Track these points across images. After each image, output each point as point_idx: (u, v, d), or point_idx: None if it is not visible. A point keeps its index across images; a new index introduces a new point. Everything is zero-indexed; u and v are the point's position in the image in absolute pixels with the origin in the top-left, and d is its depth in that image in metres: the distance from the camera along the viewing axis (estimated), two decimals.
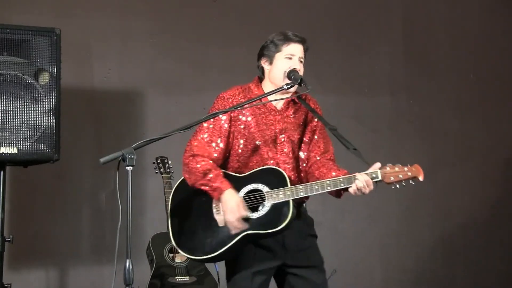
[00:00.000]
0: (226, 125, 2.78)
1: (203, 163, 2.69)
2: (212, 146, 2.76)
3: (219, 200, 2.66)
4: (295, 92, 2.83)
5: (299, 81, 2.72)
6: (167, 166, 4.02)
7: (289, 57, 2.80)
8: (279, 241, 2.72)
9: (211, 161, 2.72)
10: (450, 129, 5.36)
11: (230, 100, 2.78)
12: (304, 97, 2.87)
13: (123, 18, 4.61)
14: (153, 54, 4.65)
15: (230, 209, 2.61)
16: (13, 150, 3.26)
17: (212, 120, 2.78)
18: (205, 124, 2.78)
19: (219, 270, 3.80)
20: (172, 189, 3.93)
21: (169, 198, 3.88)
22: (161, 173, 4.01)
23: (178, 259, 3.85)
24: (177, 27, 4.75)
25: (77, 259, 4.34)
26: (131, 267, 2.46)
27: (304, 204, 2.88)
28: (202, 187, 2.69)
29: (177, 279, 3.75)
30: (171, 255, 3.85)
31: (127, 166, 2.45)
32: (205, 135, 2.77)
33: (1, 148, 3.23)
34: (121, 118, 4.54)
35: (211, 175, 2.66)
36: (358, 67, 5.19)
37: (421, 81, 5.36)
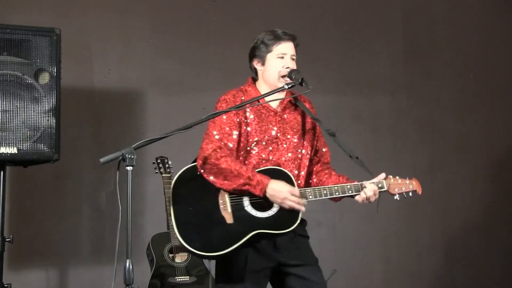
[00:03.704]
0: (235, 130, 2.76)
1: (231, 163, 2.65)
2: (227, 149, 2.74)
3: (263, 194, 2.64)
4: (291, 93, 2.84)
5: (300, 80, 2.72)
6: (167, 166, 4.02)
7: (281, 57, 2.80)
8: (270, 241, 2.71)
9: (238, 162, 2.71)
10: (450, 129, 5.36)
11: (226, 103, 2.77)
12: (299, 98, 2.87)
13: (123, 18, 4.61)
14: (153, 54, 4.65)
15: (284, 194, 2.62)
16: (13, 150, 3.25)
17: (224, 122, 2.75)
18: (216, 130, 2.76)
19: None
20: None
21: (169, 196, 3.92)
22: (161, 173, 4.01)
23: (178, 259, 3.85)
24: (177, 27, 4.74)
25: (77, 259, 4.34)
26: (131, 267, 2.45)
27: None
28: (242, 187, 2.64)
29: (177, 279, 3.75)
30: (171, 255, 3.85)
31: (127, 166, 2.44)
32: (219, 141, 2.75)
33: (1, 148, 3.23)
34: (121, 118, 4.53)
35: (250, 174, 2.63)
36: (358, 67, 5.19)
37: (421, 81, 5.36)
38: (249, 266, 2.69)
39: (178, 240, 2.63)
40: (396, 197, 2.80)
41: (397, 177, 2.81)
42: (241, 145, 2.77)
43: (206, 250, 2.63)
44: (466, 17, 5.56)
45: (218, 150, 2.69)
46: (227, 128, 2.74)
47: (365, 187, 2.70)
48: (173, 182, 2.74)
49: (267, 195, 2.64)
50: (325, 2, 5.19)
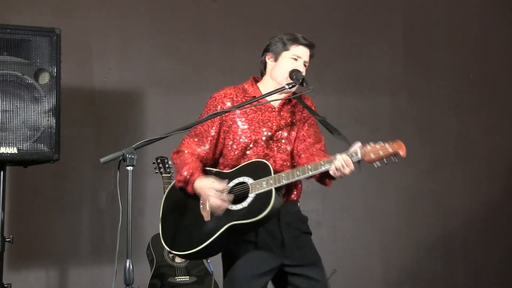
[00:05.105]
0: (214, 127, 2.78)
1: (182, 158, 2.74)
2: (199, 147, 2.78)
3: (194, 192, 2.68)
4: (293, 92, 2.84)
5: (300, 80, 2.73)
6: (167, 166, 4.02)
7: (295, 58, 2.81)
8: (278, 240, 2.73)
9: (192, 157, 2.74)
10: (450, 129, 5.36)
11: (222, 100, 2.79)
12: (301, 97, 2.87)
13: (123, 18, 4.62)
14: (153, 54, 4.65)
15: (207, 191, 2.62)
16: (13, 150, 3.26)
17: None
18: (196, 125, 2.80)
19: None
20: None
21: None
22: (161, 173, 4.01)
23: (178, 259, 3.85)
24: (177, 27, 4.75)
25: (77, 259, 4.34)
26: (131, 267, 2.46)
27: (298, 204, 2.88)
28: (180, 184, 2.72)
29: (177, 279, 3.75)
30: (171, 255, 3.85)
31: (128, 166, 2.45)
32: (193, 136, 2.80)
33: (1, 148, 3.23)
34: (121, 118, 4.54)
35: (184, 170, 2.69)
36: (358, 67, 5.20)
37: (421, 81, 5.36)
38: (255, 265, 2.70)
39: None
40: (377, 164, 2.51)
41: (377, 143, 2.52)
42: (231, 145, 2.78)
43: (184, 249, 2.69)
44: (466, 17, 5.56)
45: (181, 145, 2.80)
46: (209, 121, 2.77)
47: (336, 158, 2.53)
48: (165, 194, 2.83)
49: (197, 193, 2.67)
50: (325, 2, 5.19)
